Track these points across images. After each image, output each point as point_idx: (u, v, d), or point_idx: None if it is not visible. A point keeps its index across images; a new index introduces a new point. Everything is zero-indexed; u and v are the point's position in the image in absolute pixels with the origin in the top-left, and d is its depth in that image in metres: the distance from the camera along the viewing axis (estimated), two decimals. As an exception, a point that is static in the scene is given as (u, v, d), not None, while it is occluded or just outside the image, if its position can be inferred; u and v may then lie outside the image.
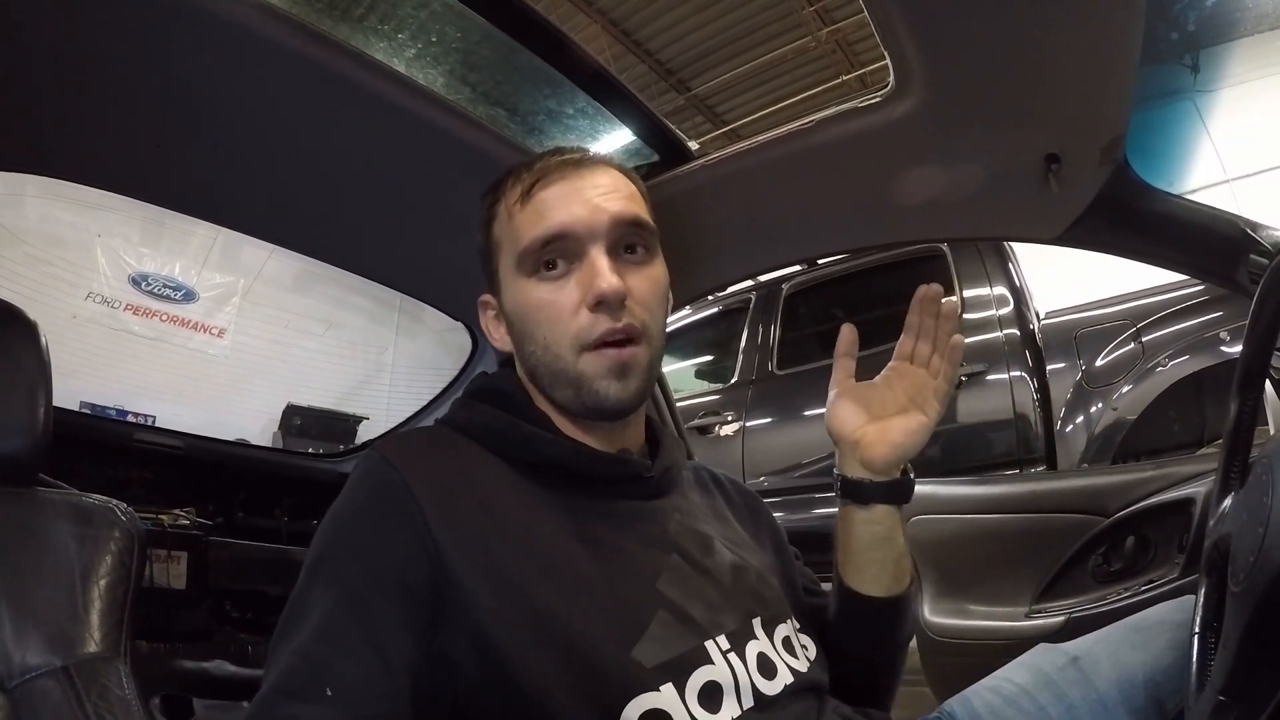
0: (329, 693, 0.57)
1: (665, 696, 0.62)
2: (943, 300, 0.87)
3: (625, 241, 0.76)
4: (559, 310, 0.73)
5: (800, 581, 0.91)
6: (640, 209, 0.78)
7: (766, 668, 0.70)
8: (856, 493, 0.81)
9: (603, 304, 0.72)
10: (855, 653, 0.86)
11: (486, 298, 0.84)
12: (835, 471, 0.84)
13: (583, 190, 0.75)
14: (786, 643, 0.75)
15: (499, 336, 0.82)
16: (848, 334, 0.87)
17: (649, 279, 0.77)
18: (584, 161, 0.78)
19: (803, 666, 0.74)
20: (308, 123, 1.10)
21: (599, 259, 0.73)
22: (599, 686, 0.61)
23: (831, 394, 0.87)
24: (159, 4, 0.90)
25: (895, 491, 0.81)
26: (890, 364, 0.86)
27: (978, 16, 0.86)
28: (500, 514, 0.68)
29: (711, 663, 0.66)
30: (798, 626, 0.79)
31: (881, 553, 0.83)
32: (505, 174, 0.82)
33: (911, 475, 0.83)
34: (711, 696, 0.65)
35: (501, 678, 0.61)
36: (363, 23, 1.15)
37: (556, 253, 0.74)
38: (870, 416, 0.82)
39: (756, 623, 0.74)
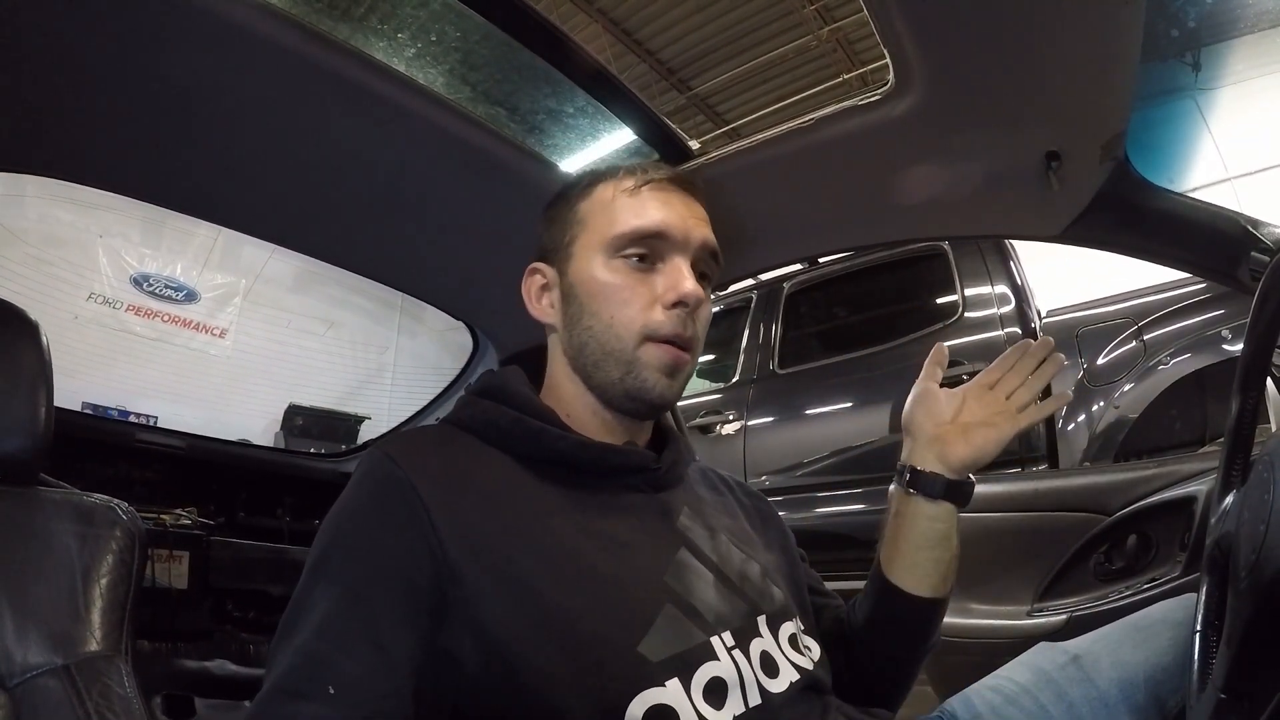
0: (331, 691, 0.58)
1: (670, 692, 0.63)
2: (1051, 352, 0.91)
3: (700, 267, 0.81)
4: (636, 296, 0.77)
5: (806, 583, 0.91)
6: (716, 244, 0.83)
7: (770, 666, 0.70)
8: (929, 486, 0.84)
9: (681, 306, 0.76)
10: (884, 651, 0.87)
11: (539, 265, 0.86)
12: (903, 464, 0.87)
13: (686, 207, 0.82)
14: (792, 641, 0.75)
15: (540, 306, 0.85)
16: (942, 350, 0.95)
17: (707, 304, 0.81)
18: (693, 187, 0.84)
19: (807, 665, 0.74)
20: (307, 122, 1.10)
21: (685, 266, 0.78)
22: (604, 681, 0.62)
23: (917, 389, 0.90)
24: (159, 4, 0.90)
25: (963, 491, 0.84)
26: (971, 384, 0.91)
27: (977, 14, 0.86)
28: (505, 510, 0.68)
29: (717, 659, 0.67)
30: (802, 627, 0.79)
31: (938, 552, 0.84)
32: (613, 166, 0.86)
33: (974, 481, 0.86)
34: (716, 692, 0.65)
35: (506, 673, 0.61)
36: (363, 22, 1.15)
37: (648, 247, 0.78)
38: (949, 417, 0.87)
39: (761, 620, 0.74)
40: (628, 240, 0.78)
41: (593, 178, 0.84)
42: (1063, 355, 0.89)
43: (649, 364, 0.76)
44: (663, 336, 0.76)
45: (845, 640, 0.90)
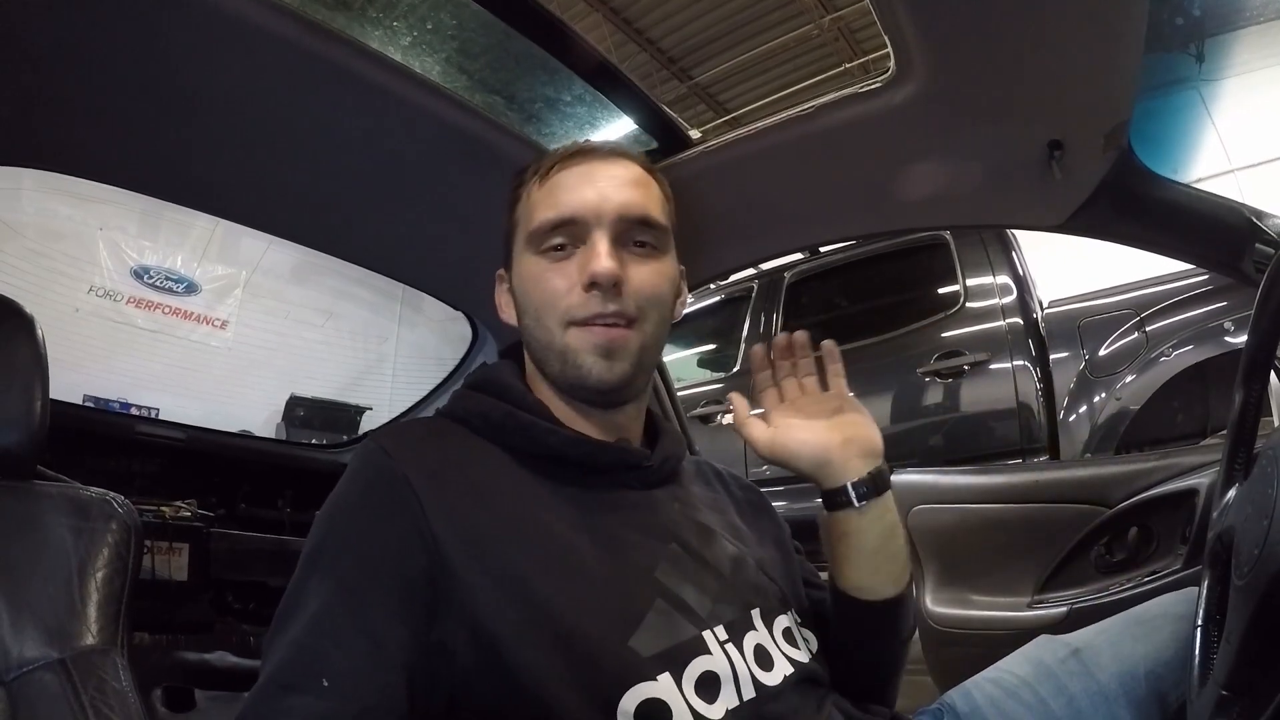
0: (325, 684, 0.58)
1: (662, 686, 0.62)
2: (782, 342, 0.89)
3: (632, 237, 0.77)
4: (555, 286, 0.76)
5: (802, 575, 0.91)
6: (653, 207, 0.79)
7: (764, 659, 0.70)
8: (849, 497, 0.78)
9: (595, 285, 0.73)
10: (858, 654, 0.85)
11: (502, 272, 0.86)
12: (829, 493, 0.80)
13: (597, 179, 0.78)
14: (787, 634, 0.75)
15: (507, 311, 0.85)
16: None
17: (652, 271, 0.77)
18: (603, 151, 0.81)
19: (803, 658, 0.74)
20: (304, 113, 1.10)
21: (600, 243, 0.75)
22: (596, 676, 0.62)
23: (770, 428, 0.82)
24: None
25: (883, 478, 0.80)
26: (780, 400, 0.87)
27: (979, 1, 0.85)
28: (498, 503, 0.68)
29: (709, 653, 0.66)
30: (799, 620, 0.79)
31: (892, 548, 0.81)
32: (534, 159, 0.85)
33: (885, 467, 0.81)
34: (709, 686, 0.65)
35: (498, 667, 0.61)
36: (359, 12, 1.14)
37: (563, 235, 0.76)
38: (826, 430, 0.80)
39: (755, 614, 0.73)
40: (541, 234, 0.77)
41: (519, 179, 0.84)
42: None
43: (578, 349, 0.74)
44: (582, 319, 0.74)
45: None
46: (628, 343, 0.75)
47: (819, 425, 0.81)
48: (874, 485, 0.79)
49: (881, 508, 0.79)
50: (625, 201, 0.77)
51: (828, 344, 0.88)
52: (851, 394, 0.85)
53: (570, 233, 0.76)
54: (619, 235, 0.76)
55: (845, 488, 0.78)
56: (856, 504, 0.78)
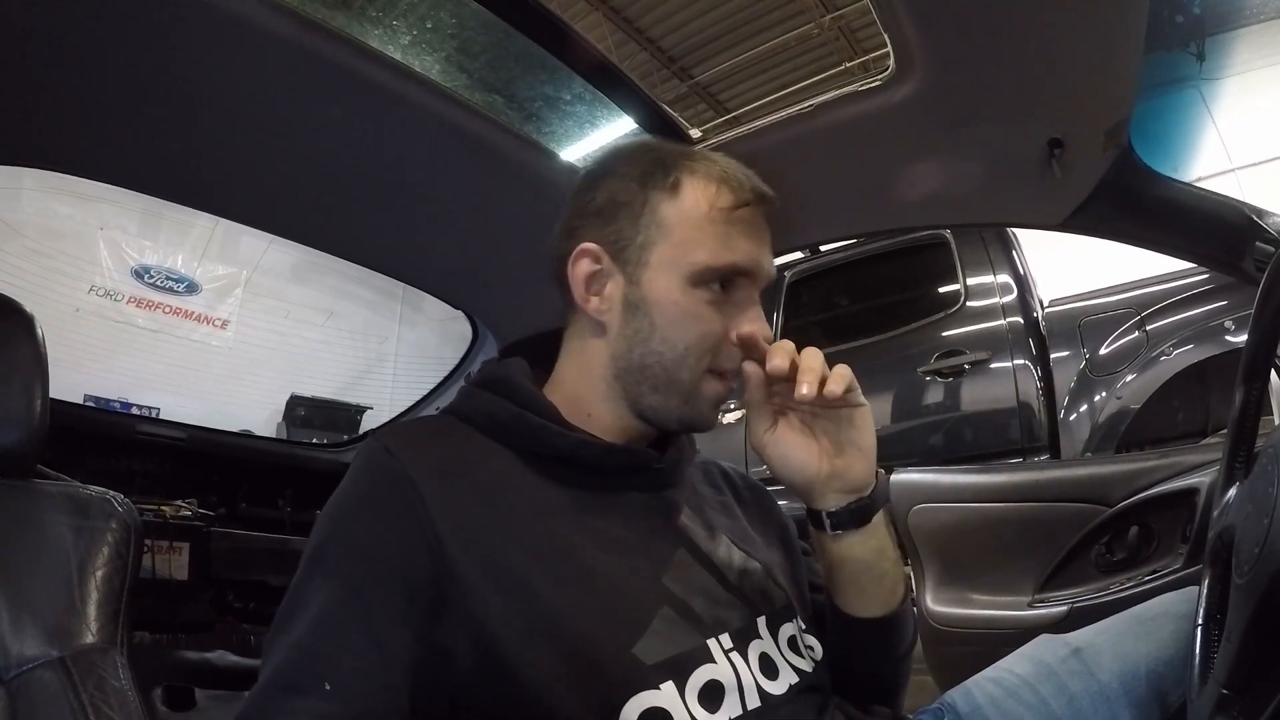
0: (326, 686, 0.57)
1: (665, 695, 0.62)
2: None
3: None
4: (711, 328, 0.74)
5: (808, 579, 0.90)
6: None
7: (769, 668, 0.69)
8: (824, 524, 0.75)
9: (752, 347, 0.73)
10: (857, 665, 0.83)
11: (594, 248, 0.76)
12: (810, 512, 0.77)
13: (766, 234, 0.78)
14: (792, 642, 0.74)
15: (588, 298, 0.76)
16: (755, 374, 0.75)
17: None
18: (773, 204, 0.77)
19: (808, 667, 0.73)
20: (304, 112, 1.10)
21: (757, 305, 0.76)
22: (598, 683, 0.61)
23: (770, 440, 0.76)
24: None
25: (864, 511, 0.76)
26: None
27: (979, -1, 0.86)
28: (503, 505, 0.67)
29: (714, 661, 0.66)
30: (803, 627, 0.78)
31: (877, 571, 0.77)
32: (685, 150, 0.80)
33: (872, 498, 0.77)
34: (712, 696, 0.64)
35: (501, 672, 0.60)
36: (359, 11, 1.14)
37: (727, 280, 0.74)
38: (816, 457, 0.75)
39: (761, 621, 0.73)
40: (710, 271, 0.73)
41: (677, 172, 0.75)
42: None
43: (708, 398, 0.75)
44: (725, 370, 0.74)
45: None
46: (728, 396, 0.77)
47: (813, 448, 0.75)
48: (852, 518, 0.75)
49: (863, 535, 0.75)
50: (774, 270, 0.79)
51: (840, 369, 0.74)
52: (859, 413, 0.77)
53: (735, 280, 0.75)
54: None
55: (821, 515, 0.75)
56: (830, 532, 0.75)
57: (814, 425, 0.76)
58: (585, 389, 0.77)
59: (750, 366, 0.74)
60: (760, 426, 0.76)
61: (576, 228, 0.78)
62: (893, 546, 0.79)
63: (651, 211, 0.75)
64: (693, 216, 0.74)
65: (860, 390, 0.75)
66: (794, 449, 0.75)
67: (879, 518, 0.77)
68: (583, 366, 0.78)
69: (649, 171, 0.76)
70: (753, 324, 0.74)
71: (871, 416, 0.78)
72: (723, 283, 0.74)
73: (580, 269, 0.76)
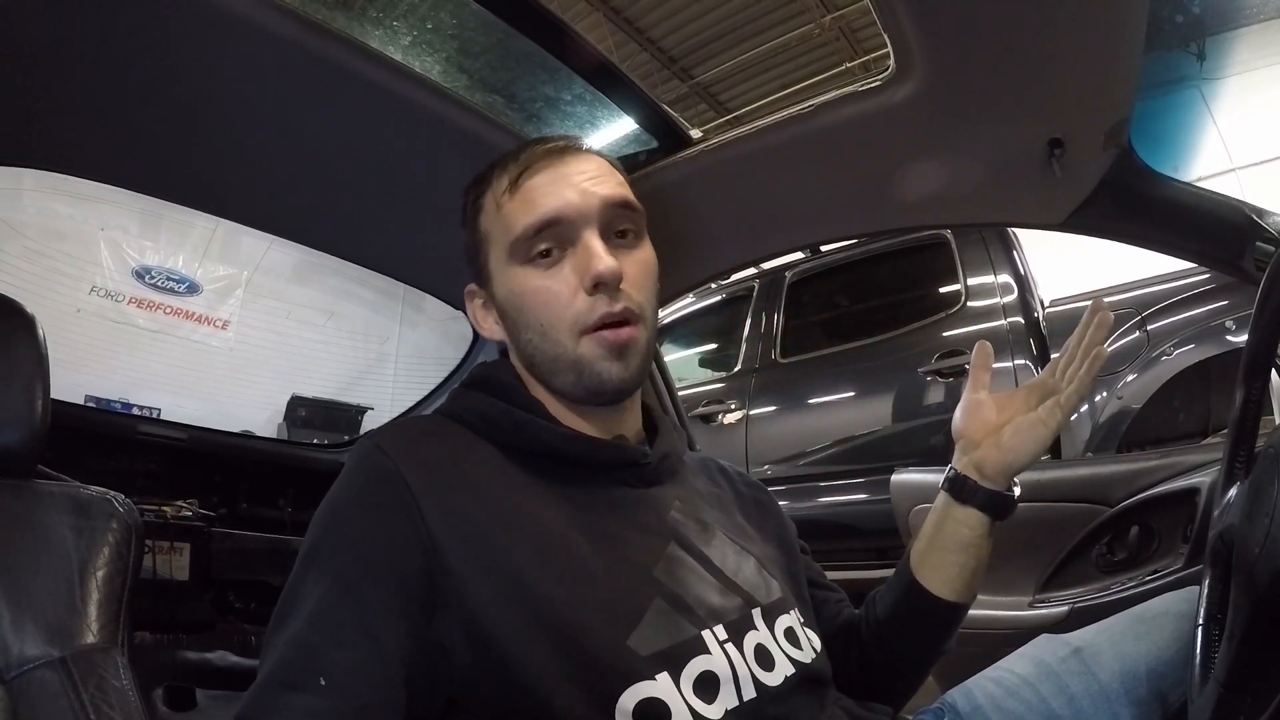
0: (323, 682, 0.57)
1: (661, 685, 0.62)
2: (1102, 314, 0.88)
3: (616, 226, 0.76)
4: (555, 295, 0.74)
5: (805, 575, 0.90)
6: (628, 192, 0.78)
7: (765, 659, 0.70)
8: (959, 489, 0.85)
9: (601, 286, 0.72)
10: (897, 649, 0.87)
11: (472, 288, 0.84)
12: (949, 467, 0.87)
13: (570, 176, 0.76)
14: (789, 634, 0.75)
15: (488, 326, 0.83)
16: (985, 349, 0.92)
17: (640, 262, 0.77)
18: (567, 149, 0.79)
19: (805, 658, 0.74)
20: (305, 112, 1.10)
21: (593, 242, 0.73)
22: (594, 675, 0.61)
23: (966, 400, 0.89)
24: None
25: (994, 501, 0.84)
26: (1029, 383, 0.89)
27: (980, -1, 0.86)
28: (495, 501, 0.68)
29: (708, 652, 0.66)
30: (801, 620, 0.78)
31: (964, 557, 0.84)
32: (488, 168, 0.82)
33: (1016, 492, 0.85)
34: (708, 686, 0.64)
35: (496, 666, 0.61)
36: (360, 12, 1.14)
37: (550, 239, 0.74)
38: (996, 421, 0.86)
39: (756, 613, 0.73)
40: (525, 242, 0.74)
41: (477, 190, 0.81)
42: (1110, 316, 0.88)
43: (593, 357, 0.73)
44: (594, 324, 0.73)
45: (853, 635, 0.90)
46: (636, 341, 0.74)
47: (1034, 437, 0.83)
48: (982, 498, 0.84)
49: (974, 519, 0.84)
50: (607, 194, 0.75)
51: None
52: (1066, 406, 0.85)
53: (557, 235, 0.74)
54: (605, 228, 0.75)
55: (1012, 499, 0.84)
56: (958, 499, 0.84)
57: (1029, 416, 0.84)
58: (537, 393, 0.79)
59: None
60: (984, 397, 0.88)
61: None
62: (983, 556, 0.86)
63: (477, 231, 0.81)
64: (492, 211, 0.79)
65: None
66: (1027, 440, 0.84)
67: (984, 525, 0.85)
68: (525, 379, 0.81)
69: (473, 197, 0.82)
70: (589, 265, 0.72)
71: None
72: (547, 247, 0.74)
73: (474, 308, 0.85)
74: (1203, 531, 1.28)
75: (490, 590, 0.62)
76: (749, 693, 0.66)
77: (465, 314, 1.73)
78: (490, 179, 0.80)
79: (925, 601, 0.85)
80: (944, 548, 0.85)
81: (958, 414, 0.89)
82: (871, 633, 0.89)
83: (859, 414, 3.31)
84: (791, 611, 0.78)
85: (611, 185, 0.77)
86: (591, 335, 0.73)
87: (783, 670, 0.70)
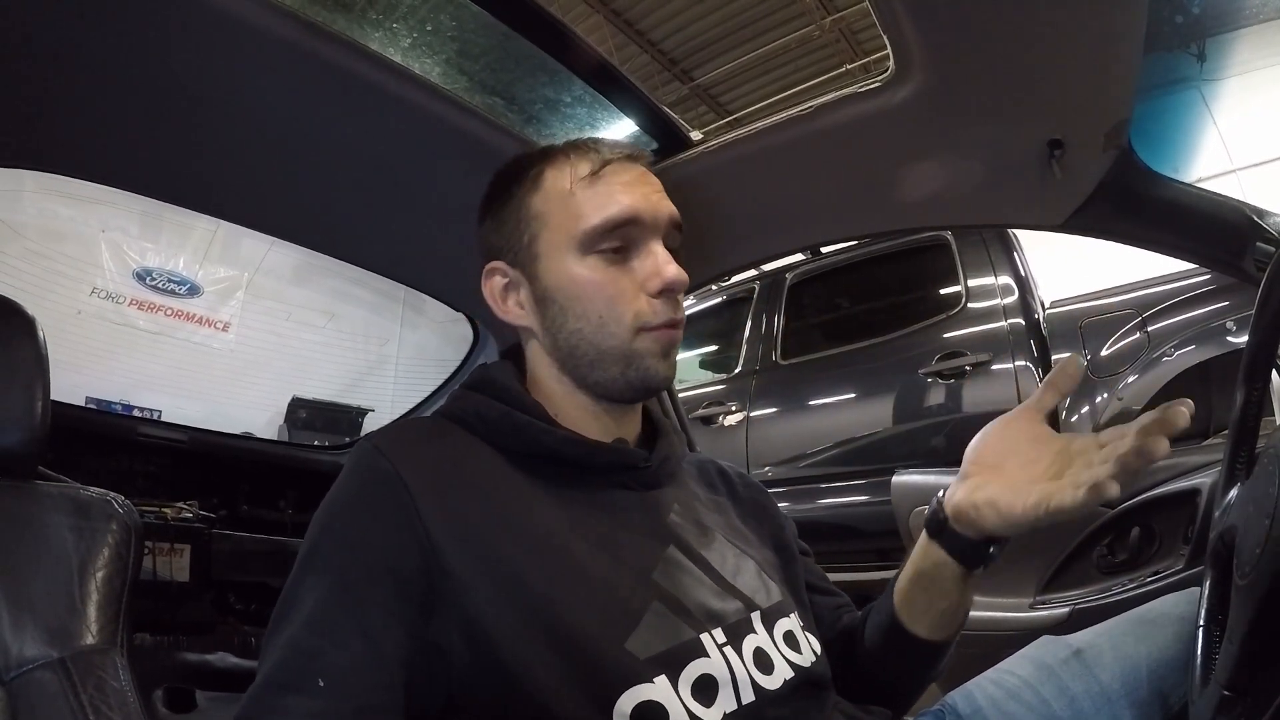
0: (321, 683, 0.58)
1: (659, 688, 0.62)
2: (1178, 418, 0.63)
3: (670, 243, 0.79)
4: (621, 291, 0.75)
5: (805, 578, 0.90)
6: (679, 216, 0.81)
7: (764, 663, 0.70)
8: (931, 521, 0.77)
9: (667, 292, 0.75)
10: (888, 672, 0.86)
11: (498, 265, 0.82)
12: (962, 542, 0.76)
13: (646, 184, 0.79)
14: (788, 638, 0.75)
15: (509, 309, 0.82)
16: (1070, 367, 0.74)
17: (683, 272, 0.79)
18: (642, 157, 0.81)
19: (804, 661, 0.74)
20: (304, 114, 1.10)
21: (660, 249, 0.76)
22: (592, 677, 0.61)
23: (1006, 417, 0.77)
24: None
25: (964, 550, 0.74)
26: (1085, 436, 0.69)
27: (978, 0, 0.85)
28: (494, 504, 0.68)
29: (707, 655, 0.66)
30: (801, 623, 0.78)
31: (929, 596, 0.79)
32: (545, 148, 0.82)
33: (993, 552, 0.74)
34: (706, 689, 0.64)
35: (495, 668, 0.61)
36: (360, 14, 1.14)
37: (622, 237, 0.76)
38: (1002, 465, 0.72)
39: (755, 617, 0.73)
40: (600, 234, 0.75)
41: (537, 166, 0.81)
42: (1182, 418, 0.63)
43: (648, 353, 0.76)
44: (656, 325, 0.75)
45: (853, 640, 0.89)
46: (677, 342, 0.78)
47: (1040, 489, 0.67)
48: (953, 542, 0.76)
49: (941, 558, 0.77)
50: (672, 211, 0.79)
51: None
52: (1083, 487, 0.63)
53: (628, 235, 0.76)
54: (665, 240, 0.78)
55: (992, 553, 0.75)
56: (984, 568, 0.76)
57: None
58: (548, 389, 0.80)
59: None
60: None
61: (482, 254, 0.84)
62: (960, 601, 0.80)
63: (526, 210, 0.79)
64: (559, 195, 0.78)
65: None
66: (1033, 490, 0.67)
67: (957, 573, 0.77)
68: (538, 372, 0.81)
69: (515, 178, 0.81)
70: (661, 271, 0.75)
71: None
72: (617, 245, 0.76)
73: (493, 286, 0.82)
74: (1203, 533, 1.28)
75: (489, 592, 0.62)
76: (747, 696, 0.66)
77: (466, 316, 1.75)
78: (563, 157, 0.80)
79: (906, 639, 0.81)
80: (919, 584, 0.79)
81: (977, 437, 0.78)
82: (864, 651, 0.86)
83: (859, 416, 3.32)
84: (791, 615, 0.77)
85: (669, 201, 0.80)
86: (650, 334, 0.75)
87: (782, 674, 0.70)
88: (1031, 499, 0.66)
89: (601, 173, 0.77)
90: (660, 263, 0.75)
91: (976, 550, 0.74)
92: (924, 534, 0.78)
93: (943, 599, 0.78)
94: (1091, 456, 0.64)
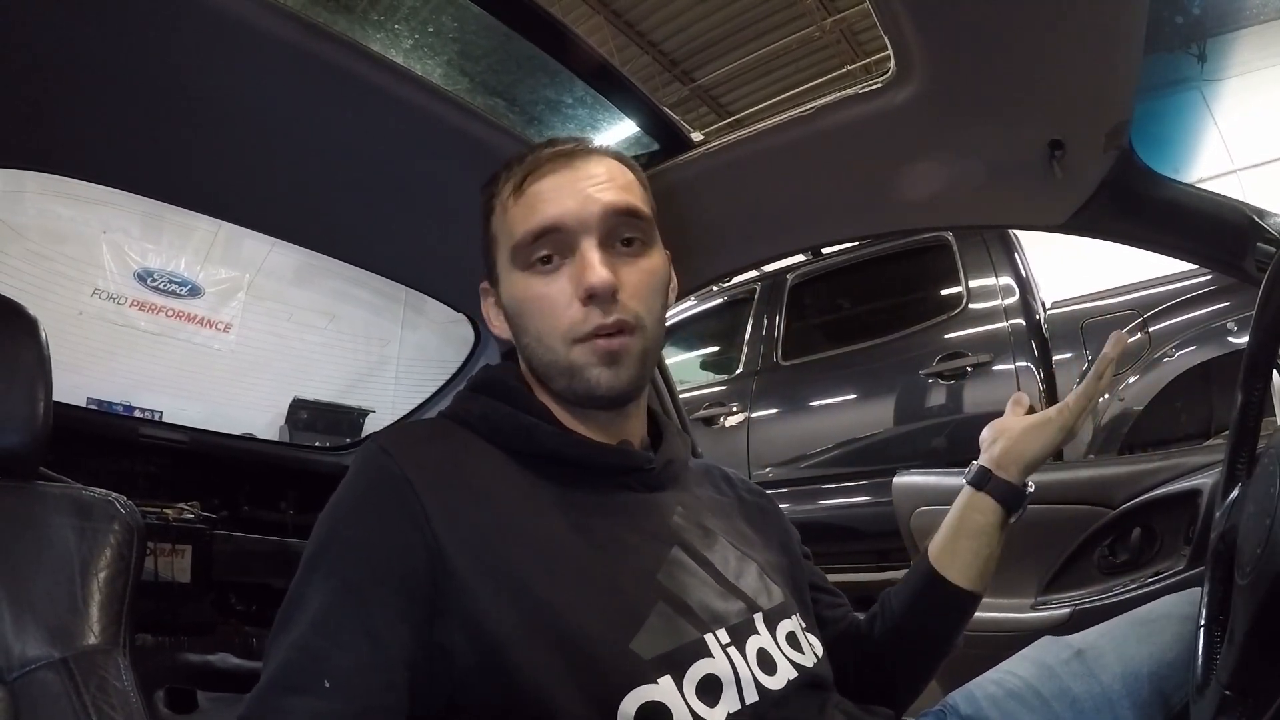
0: (327, 684, 0.57)
1: (663, 689, 0.62)
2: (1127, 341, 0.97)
3: (620, 234, 0.75)
4: (551, 303, 0.74)
5: (808, 580, 0.91)
6: (635, 198, 0.77)
7: (767, 663, 0.70)
8: (977, 479, 0.91)
9: (593, 298, 0.72)
10: (910, 644, 0.90)
11: (486, 285, 0.84)
12: (992, 482, 0.91)
13: (575, 182, 0.75)
14: (790, 638, 0.75)
15: (499, 325, 0.83)
16: (1021, 400, 1.00)
17: (644, 270, 0.76)
18: (577, 152, 0.78)
19: (807, 662, 0.74)
20: (306, 115, 1.10)
21: (590, 252, 0.73)
22: (596, 678, 0.61)
23: (999, 422, 0.96)
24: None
25: (1008, 492, 0.89)
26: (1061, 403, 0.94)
27: (979, 0, 0.85)
28: (499, 505, 0.68)
29: (711, 656, 0.66)
30: (803, 624, 0.79)
31: (978, 544, 0.89)
32: (502, 167, 0.82)
33: (1029, 489, 0.90)
34: (710, 690, 0.64)
35: (499, 669, 0.61)
36: (362, 15, 1.14)
37: (548, 246, 0.74)
38: (1015, 425, 0.93)
39: (759, 618, 0.73)
40: (525, 248, 0.74)
41: (490, 190, 0.81)
42: (1124, 334, 0.97)
43: (584, 364, 0.73)
44: (585, 335, 0.73)
45: (855, 639, 0.91)
46: (629, 349, 0.74)
47: (1044, 432, 0.91)
48: (993, 486, 0.90)
49: (987, 506, 0.90)
50: (609, 201, 0.74)
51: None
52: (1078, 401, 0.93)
53: (555, 242, 0.74)
54: (606, 236, 0.74)
55: (1024, 493, 0.90)
56: (1021, 513, 0.90)
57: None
58: (541, 394, 0.79)
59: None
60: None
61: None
62: (994, 546, 0.91)
63: (489, 230, 0.81)
64: (500, 212, 0.78)
65: None
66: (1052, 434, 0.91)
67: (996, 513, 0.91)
68: (529, 379, 0.81)
69: (486, 197, 0.81)
70: (581, 277, 0.72)
71: None
72: (547, 253, 0.74)
73: (487, 307, 0.84)
74: (1204, 533, 1.28)
75: (493, 593, 0.62)
76: (751, 696, 0.66)
77: (467, 317, 1.75)
78: (500, 180, 0.80)
79: (941, 589, 0.88)
80: (962, 534, 0.89)
81: (990, 427, 0.96)
82: (886, 627, 0.90)
83: (861, 416, 3.31)
84: (793, 616, 0.78)
85: (616, 191, 0.75)
86: (583, 344, 0.73)
87: (785, 674, 0.70)
88: (1043, 427, 0.91)
89: (523, 185, 0.76)
90: (581, 268, 0.72)
91: (1016, 494, 0.89)
92: (967, 493, 0.91)
93: (985, 546, 0.88)
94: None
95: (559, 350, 0.74)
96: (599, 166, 0.77)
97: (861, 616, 0.94)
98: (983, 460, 0.92)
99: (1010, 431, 0.92)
